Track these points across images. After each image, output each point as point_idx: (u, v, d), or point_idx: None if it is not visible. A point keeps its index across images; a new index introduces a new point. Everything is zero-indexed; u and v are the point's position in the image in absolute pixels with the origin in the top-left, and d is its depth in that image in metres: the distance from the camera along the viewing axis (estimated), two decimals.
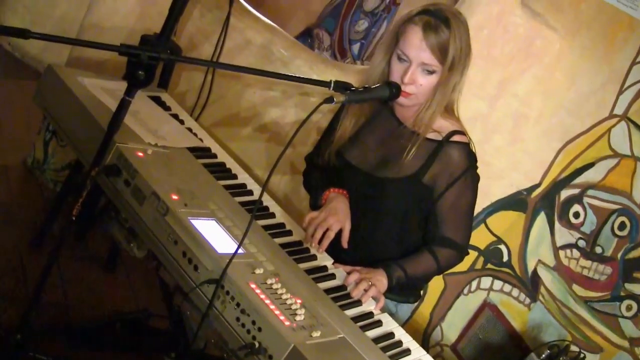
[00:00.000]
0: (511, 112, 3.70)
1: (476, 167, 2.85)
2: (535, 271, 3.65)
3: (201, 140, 3.06)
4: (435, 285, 3.87)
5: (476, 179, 2.87)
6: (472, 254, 3.80)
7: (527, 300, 3.67)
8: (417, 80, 2.68)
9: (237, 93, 3.74)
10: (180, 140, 2.93)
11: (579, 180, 3.56)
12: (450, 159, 2.80)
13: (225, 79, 3.75)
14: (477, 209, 3.58)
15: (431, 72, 2.68)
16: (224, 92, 3.76)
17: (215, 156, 3.01)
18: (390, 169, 2.82)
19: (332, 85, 2.47)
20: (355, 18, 5.37)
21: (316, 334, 2.19)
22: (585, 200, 3.52)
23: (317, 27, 5.60)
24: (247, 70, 2.46)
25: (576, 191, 3.55)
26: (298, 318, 2.21)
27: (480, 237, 3.78)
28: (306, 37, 5.51)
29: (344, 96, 2.46)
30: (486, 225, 3.77)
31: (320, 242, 2.68)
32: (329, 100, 2.38)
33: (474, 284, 3.85)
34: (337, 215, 2.72)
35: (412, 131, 2.80)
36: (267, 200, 2.90)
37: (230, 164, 3.01)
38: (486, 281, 3.82)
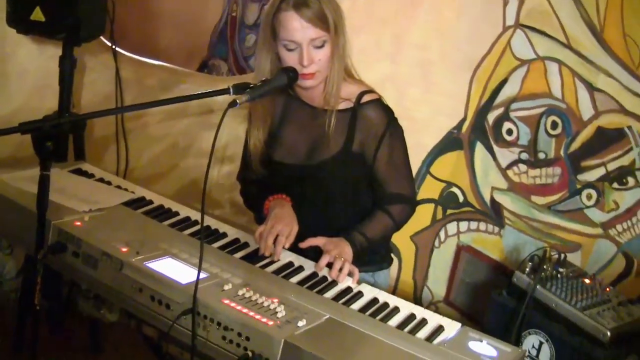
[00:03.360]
0: (415, 61, 3.76)
1: (395, 119, 2.87)
2: (493, 199, 3.71)
3: (133, 192, 3.06)
4: (407, 248, 3.92)
5: (400, 129, 2.89)
6: (430, 206, 3.86)
7: (496, 229, 3.72)
8: (314, 58, 2.70)
9: (153, 138, 3.76)
10: (113, 199, 2.93)
11: (499, 99, 3.63)
12: (369, 120, 2.83)
13: (137, 130, 3.76)
14: (417, 162, 3.67)
15: (322, 44, 2.70)
16: (141, 142, 3.78)
17: (151, 202, 3.01)
18: (320, 152, 2.85)
19: (232, 89, 2.49)
20: (242, 36, 5.43)
21: (302, 323, 2.20)
22: (512, 115, 3.59)
23: (211, 58, 5.65)
24: (149, 104, 2.47)
25: (501, 110, 3.61)
26: (280, 315, 2.22)
27: (431, 188, 3.84)
28: (203, 70, 5.55)
29: (246, 95, 2.47)
30: (432, 175, 3.84)
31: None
32: (233, 104, 2.40)
33: (442, 234, 3.90)
34: (282, 220, 2.73)
35: (325, 109, 2.83)
36: (216, 224, 2.91)
37: (169, 204, 3.01)
38: (452, 227, 3.87)
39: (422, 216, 3.88)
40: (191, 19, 5.55)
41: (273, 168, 2.94)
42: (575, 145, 3.45)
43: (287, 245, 2.69)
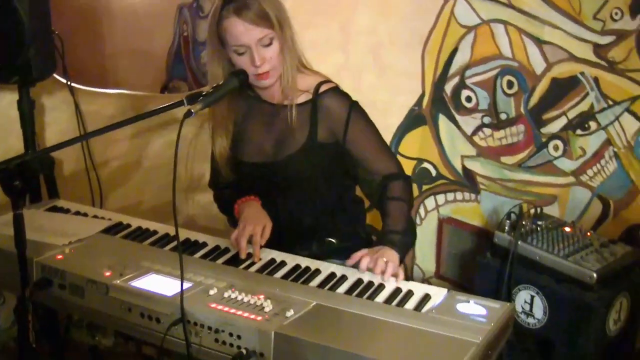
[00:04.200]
0: (365, 47, 3.81)
1: (356, 102, 2.90)
2: (464, 167, 3.76)
3: (110, 219, 3.09)
4: None
5: (363, 111, 2.91)
6: None
7: (473, 196, 3.77)
8: (265, 57, 2.74)
9: (124, 165, 3.79)
10: (91, 229, 2.96)
11: (453, 69, 3.68)
12: (330, 108, 2.86)
13: (107, 161, 3.80)
14: None
15: (270, 42, 2.73)
16: (112, 171, 3.81)
17: (129, 225, 3.04)
18: (286, 147, 2.88)
19: (185, 100, 2.52)
20: (197, 53, 5.46)
21: (290, 313, 2.23)
22: (468, 82, 3.64)
23: (170, 81, 5.67)
24: (111, 127, 2.49)
25: (456, 80, 3.66)
26: (267, 309, 2.25)
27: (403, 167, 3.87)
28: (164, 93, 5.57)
29: (200, 104, 2.50)
30: (401, 155, 3.88)
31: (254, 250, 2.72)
32: (188, 114, 2.42)
33: (421, 211, 3.95)
34: (252, 220, 2.76)
35: (284, 104, 2.87)
36: (195, 236, 2.95)
37: (147, 224, 3.04)
38: (430, 202, 3.92)
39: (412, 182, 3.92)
40: (144, 46, 5.58)
41: (242, 170, 2.97)
42: (534, 100, 3.50)
43: (262, 243, 2.72)
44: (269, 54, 2.74)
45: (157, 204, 3.80)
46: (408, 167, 3.87)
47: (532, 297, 3.14)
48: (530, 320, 3.17)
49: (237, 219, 2.85)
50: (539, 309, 3.13)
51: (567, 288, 3.06)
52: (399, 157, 3.82)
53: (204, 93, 2.58)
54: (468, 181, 3.77)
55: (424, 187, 3.91)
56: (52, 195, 3.50)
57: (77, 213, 3.21)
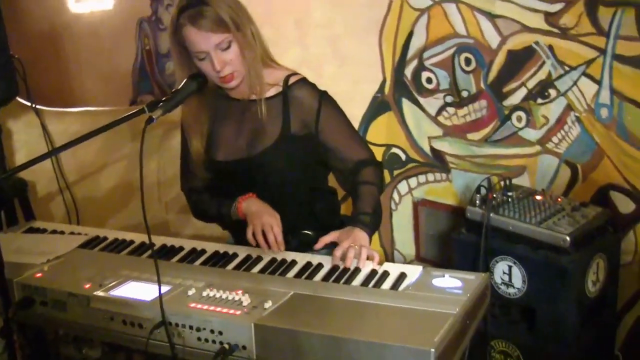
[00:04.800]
0: (323, 40, 3.86)
1: (325, 91, 2.95)
2: (432, 149, 3.80)
3: (86, 234, 3.12)
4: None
5: (332, 99, 2.96)
6: None
7: (444, 176, 3.82)
8: (225, 60, 2.76)
9: (97, 180, 3.82)
10: (68, 245, 2.99)
11: (410, 53, 3.72)
12: (300, 99, 2.90)
13: (81, 179, 3.82)
14: None
15: (229, 45, 2.76)
16: (86, 188, 3.84)
17: (106, 238, 3.08)
18: (260, 142, 2.91)
19: (146, 108, 2.55)
20: (161, 66, 5.46)
21: (268, 304, 2.27)
22: (427, 64, 3.68)
23: (138, 96, 5.68)
24: (75, 142, 2.51)
25: (415, 62, 3.71)
26: (246, 303, 2.29)
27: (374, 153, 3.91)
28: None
29: (160, 110, 2.53)
30: (370, 143, 3.89)
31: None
32: (150, 120, 2.46)
33: (395, 196, 3.99)
34: (264, 215, 2.78)
35: (254, 99, 2.90)
36: (171, 241, 2.99)
37: (123, 235, 3.08)
38: (403, 186, 3.96)
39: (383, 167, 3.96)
40: (109, 64, 5.59)
41: (218, 169, 2.99)
42: (493, 74, 3.55)
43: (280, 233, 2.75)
44: (229, 57, 2.77)
45: (136, 214, 3.83)
46: (377, 154, 3.82)
47: (510, 267, 3.18)
48: (511, 290, 3.20)
49: (242, 218, 2.86)
50: (518, 279, 3.16)
51: (543, 254, 3.10)
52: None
53: (163, 99, 2.61)
54: (438, 161, 3.82)
55: (395, 172, 3.95)
56: (28, 218, 3.53)
57: (54, 232, 3.24)
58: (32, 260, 2.85)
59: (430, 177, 3.87)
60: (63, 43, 5.45)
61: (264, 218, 2.76)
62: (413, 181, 3.93)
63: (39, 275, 2.71)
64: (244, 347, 2.19)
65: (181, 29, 2.74)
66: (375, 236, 4.05)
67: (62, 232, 3.23)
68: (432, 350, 1.93)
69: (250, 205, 2.87)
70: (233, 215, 2.90)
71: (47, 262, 2.82)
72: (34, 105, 3.84)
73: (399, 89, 3.78)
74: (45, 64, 4.99)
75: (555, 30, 3.35)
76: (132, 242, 3.03)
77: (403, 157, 3.90)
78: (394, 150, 3.91)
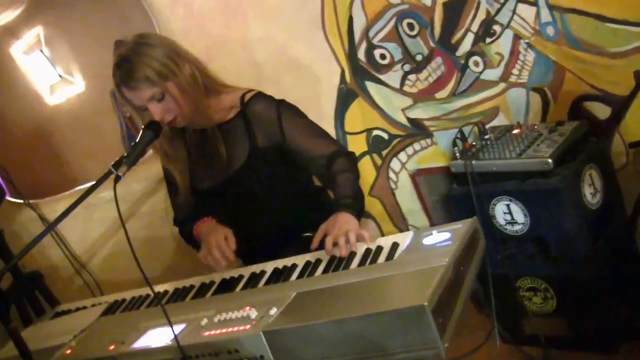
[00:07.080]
0: (271, 53, 3.94)
1: (283, 100, 3.06)
2: (409, 119, 3.86)
3: (107, 302, 3.24)
4: (374, 207, 4.11)
5: (292, 105, 3.07)
6: (367, 160, 4.02)
7: (428, 141, 3.87)
8: (163, 109, 2.87)
9: (110, 249, 3.91)
10: (91, 317, 3.10)
11: (357, 36, 3.78)
12: (259, 114, 3.00)
13: (95, 256, 3.93)
14: (331, 130, 3.83)
15: (162, 96, 2.85)
16: (101, 259, 3.94)
17: (124, 300, 3.19)
18: (234, 162, 3.02)
19: (112, 168, 2.63)
20: None
21: (273, 311, 2.35)
22: (374, 41, 3.74)
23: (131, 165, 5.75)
24: (60, 219, 2.60)
25: (364, 44, 3.77)
26: (253, 316, 2.37)
27: (357, 144, 3.99)
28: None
29: (124, 166, 2.61)
30: (350, 134, 3.99)
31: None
32: (117, 179, 2.56)
33: (392, 175, 4.05)
34: (214, 236, 2.88)
35: (218, 125, 3.01)
36: (182, 283, 3.09)
37: (139, 292, 3.21)
38: (395, 164, 4.02)
39: (367, 171, 4.04)
40: (98, 142, 5.67)
41: (203, 197, 3.09)
42: (437, 30, 3.59)
43: (233, 247, 2.84)
44: (167, 105, 2.87)
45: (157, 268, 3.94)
46: (361, 142, 3.97)
47: (508, 205, 3.22)
48: (516, 227, 3.24)
49: (199, 241, 2.97)
50: (519, 214, 3.21)
51: (533, 182, 3.14)
52: (347, 136, 3.96)
53: (125, 155, 2.69)
54: (418, 129, 3.86)
55: (384, 153, 4.00)
56: (52, 305, 3.64)
57: (77, 309, 3.36)
58: (61, 341, 2.96)
59: (417, 146, 3.92)
60: (48, 136, 5.54)
61: (209, 237, 2.87)
62: (402, 155, 3.98)
63: (68, 352, 2.82)
64: (262, 357, 2.28)
65: (117, 88, 2.87)
66: (386, 219, 4.11)
67: (84, 307, 3.34)
68: (425, 304, 1.98)
69: (203, 229, 3.00)
70: (196, 244, 3.03)
71: (74, 338, 2.93)
72: (27, 202, 3.96)
73: (359, 73, 3.84)
74: (40, 162, 5.08)
75: None
76: (147, 295, 3.13)
77: (385, 136, 3.96)
78: (375, 132, 3.97)
